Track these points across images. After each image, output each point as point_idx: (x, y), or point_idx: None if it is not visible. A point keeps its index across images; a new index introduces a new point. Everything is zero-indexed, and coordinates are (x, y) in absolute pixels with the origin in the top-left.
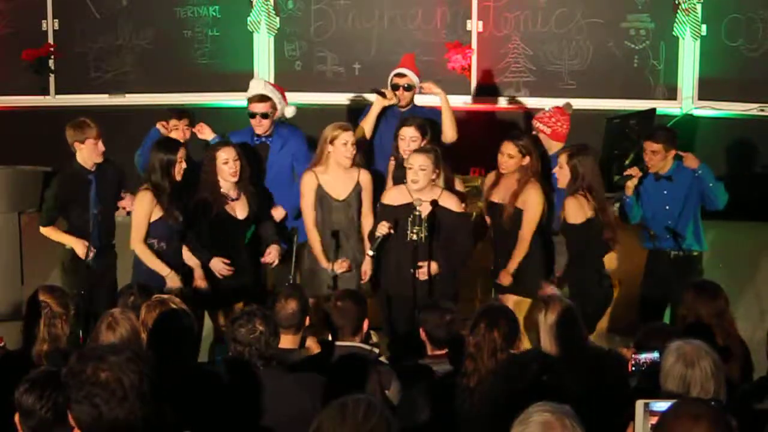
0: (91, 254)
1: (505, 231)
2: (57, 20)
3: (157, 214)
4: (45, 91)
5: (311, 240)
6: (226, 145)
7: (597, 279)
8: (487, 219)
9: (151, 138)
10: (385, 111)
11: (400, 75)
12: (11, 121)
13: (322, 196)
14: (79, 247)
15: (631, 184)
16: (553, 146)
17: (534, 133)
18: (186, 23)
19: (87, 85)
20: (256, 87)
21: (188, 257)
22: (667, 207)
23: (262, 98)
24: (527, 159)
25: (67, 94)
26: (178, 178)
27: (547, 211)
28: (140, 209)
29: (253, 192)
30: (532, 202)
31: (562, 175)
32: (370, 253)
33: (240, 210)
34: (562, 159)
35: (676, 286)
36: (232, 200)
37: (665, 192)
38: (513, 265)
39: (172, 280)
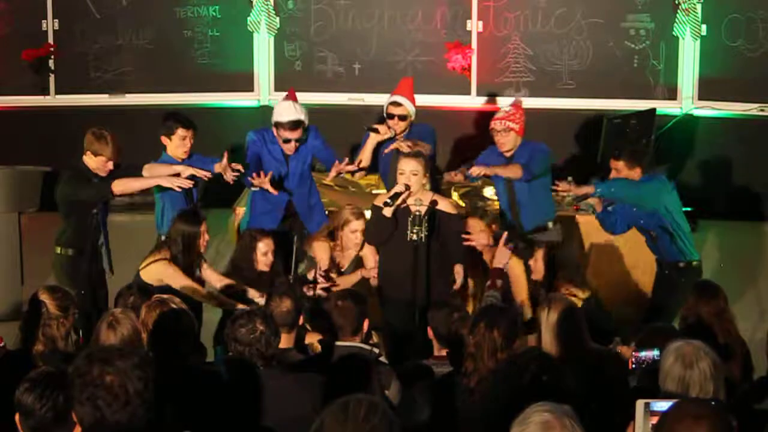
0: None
1: None
2: (57, 20)
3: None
4: (45, 91)
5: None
6: (265, 237)
7: None
8: None
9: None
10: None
11: (396, 104)
12: (11, 121)
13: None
14: (165, 181)
15: (593, 201)
16: (518, 141)
17: (500, 131)
18: (186, 23)
19: (87, 85)
20: (287, 111)
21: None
22: (642, 221)
23: (296, 125)
24: (494, 227)
25: (67, 94)
26: (203, 250)
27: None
28: (175, 277)
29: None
30: (516, 273)
31: (537, 268)
32: (388, 200)
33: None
34: (539, 254)
35: (673, 294)
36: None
37: (634, 209)
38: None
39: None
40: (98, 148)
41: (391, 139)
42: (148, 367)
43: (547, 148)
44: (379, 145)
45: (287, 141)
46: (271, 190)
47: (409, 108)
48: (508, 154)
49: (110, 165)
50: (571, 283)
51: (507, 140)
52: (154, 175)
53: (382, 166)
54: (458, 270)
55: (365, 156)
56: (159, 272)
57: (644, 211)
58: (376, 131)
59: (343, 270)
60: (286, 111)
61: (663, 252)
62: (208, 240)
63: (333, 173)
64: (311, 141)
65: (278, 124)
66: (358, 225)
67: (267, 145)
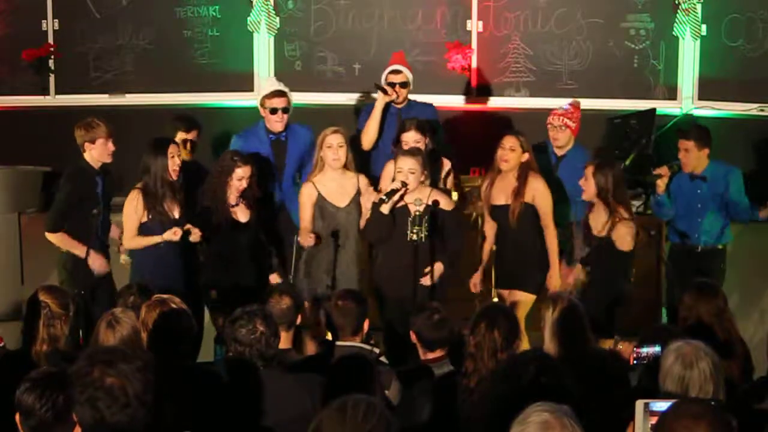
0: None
1: (514, 230)
2: (57, 20)
3: (144, 216)
4: (45, 91)
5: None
6: (246, 164)
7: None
8: (493, 223)
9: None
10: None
11: (396, 72)
12: (11, 121)
13: (322, 205)
14: (98, 263)
15: (661, 183)
16: (571, 141)
17: (556, 126)
18: (186, 23)
19: (87, 85)
20: (270, 84)
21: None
22: (700, 205)
23: (280, 93)
24: (526, 155)
25: (67, 94)
26: (174, 176)
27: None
28: (129, 208)
29: (252, 198)
30: (543, 193)
31: (588, 186)
32: (384, 197)
33: (241, 214)
34: (588, 171)
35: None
36: (232, 206)
37: (699, 191)
38: (556, 258)
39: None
40: (93, 134)
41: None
42: (150, 370)
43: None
44: (384, 149)
45: (274, 111)
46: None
47: (408, 75)
48: (559, 152)
49: (111, 145)
50: (623, 204)
51: (562, 136)
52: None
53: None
54: (437, 266)
55: (374, 120)
56: (127, 200)
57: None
58: (385, 91)
59: (341, 206)
60: (269, 84)
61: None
62: (179, 164)
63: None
64: (304, 138)
65: (264, 98)
66: (332, 139)
67: (253, 145)
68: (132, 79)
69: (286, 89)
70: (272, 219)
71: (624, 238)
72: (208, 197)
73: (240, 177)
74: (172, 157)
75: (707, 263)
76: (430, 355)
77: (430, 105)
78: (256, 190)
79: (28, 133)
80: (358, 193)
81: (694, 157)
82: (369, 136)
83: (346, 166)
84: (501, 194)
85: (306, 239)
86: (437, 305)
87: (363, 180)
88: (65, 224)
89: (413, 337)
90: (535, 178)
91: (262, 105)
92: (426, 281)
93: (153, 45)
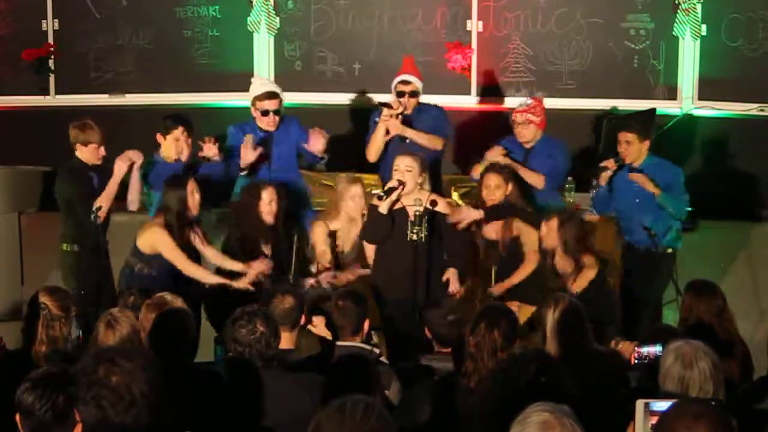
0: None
1: (507, 262)
2: (57, 20)
3: None
4: (45, 91)
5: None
6: (267, 186)
7: None
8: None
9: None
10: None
11: (405, 82)
12: (11, 121)
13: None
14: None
15: (605, 175)
16: (538, 135)
17: (520, 123)
18: (186, 23)
19: (87, 85)
20: (262, 84)
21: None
22: (637, 200)
23: (272, 95)
24: (510, 187)
25: (67, 94)
26: (195, 212)
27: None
28: (166, 243)
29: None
30: (525, 229)
31: (549, 239)
32: (382, 194)
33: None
34: (552, 224)
35: (648, 283)
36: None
37: (635, 186)
38: (512, 281)
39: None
40: (86, 137)
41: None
42: (155, 370)
43: (566, 146)
44: (388, 146)
45: (266, 113)
46: (251, 154)
47: (418, 84)
48: (527, 146)
49: (102, 150)
50: (589, 251)
51: (526, 132)
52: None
53: (384, 169)
54: (452, 273)
55: (377, 141)
56: (152, 238)
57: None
58: (389, 106)
59: (347, 251)
60: (261, 84)
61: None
62: (199, 200)
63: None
64: (294, 130)
65: (255, 99)
66: (356, 190)
67: (244, 133)
68: (132, 79)
69: (278, 89)
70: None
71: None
72: (244, 225)
73: (269, 200)
74: (192, 193)
75: (652, 265)
76: (444, 349)
77: (439, 108)
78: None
79: (28, 133)
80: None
81: (635, 150)
82: (373, 150)
83: None
84: (491, 229)
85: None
86: (452, 304)
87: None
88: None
89: (427, 333)
90: (516, 222)
91: (253, 104)
92: (453, 290)
93: (153, 45)
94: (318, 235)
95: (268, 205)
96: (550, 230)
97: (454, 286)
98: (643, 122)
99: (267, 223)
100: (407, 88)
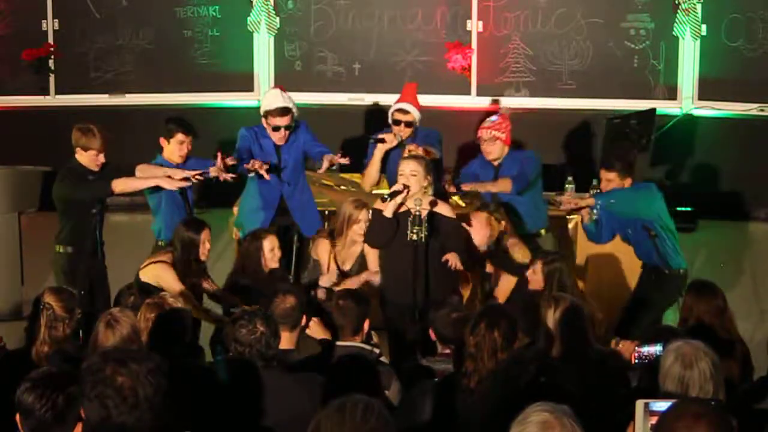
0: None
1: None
2: (57, 20)
3: None
4: (45, 91)
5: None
6: (268, 234)
7: None
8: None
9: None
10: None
11: (403, 111)
12: (11, 121)
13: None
14: (164, 182)
15: (585, 213)
16: (505, 151)
17: (487, 140)
18: (186, 23)
19: (87, 85)
20: (275, 99)
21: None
22: (630, 231)
23: (285, 111)
24: (503, 224)
25: (67, 94)
26: (203, 258)
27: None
28: (170, 279)
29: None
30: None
31: (535, 279)
32: (386, 197)
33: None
34: (538, 266)
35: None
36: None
37: (616, 217)
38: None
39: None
40: (87, 143)
41: (400, 146)
42: (162, 374)
43: (536, 155)
44: (388, 153)
45: (277, 129)
46: (265, 175)
47: (415, 115)
48: (495, 163)
49: (101, 158)
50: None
51: (493, 149)
52: (153, 176)
53: (391, 174)
54: (452, 255)
55: (374, 167)
56: (157, 275)
57: (637, 218)
58: (383, 141)
59: (346, 269)
60: (274, 99)
61: (652, 257)
62: (210, 249)
63: (326, 165)
64: (302, 135)
65: (267, 113)
66: (362, 216)
67: (259, 139)
68: (132, 79)
69: (290, 104)
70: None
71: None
72: (247, 272)
73: (271, 248)
74: (204, 242)
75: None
76: (447, 350)
77: (435, 132)
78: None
79: (28, 133)
80: (361, 255)
81: (616, 186)
82: (370, 180)
83: None
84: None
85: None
86: (457, 303)
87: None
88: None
89: (432, 333)
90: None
91: (264, 117)
92: (452, 261)
93: (153, 45)
94: (322, 252)
95: (270, 252)
96: (535, 272)
97: (454, 263)
98: (626, 158)
99: (270, 270)
100: (404, 118)
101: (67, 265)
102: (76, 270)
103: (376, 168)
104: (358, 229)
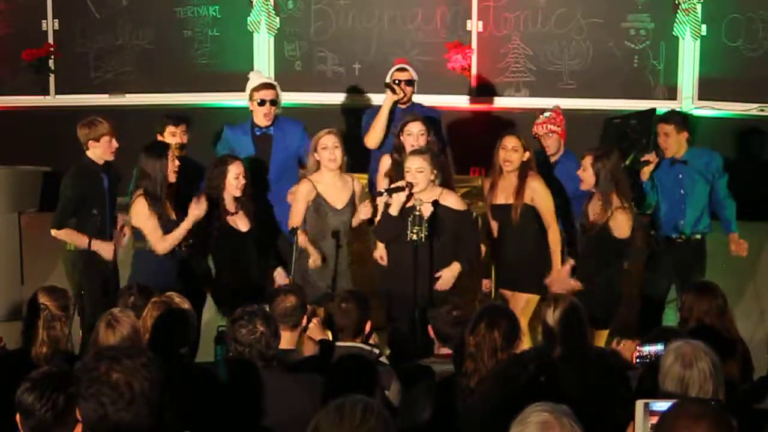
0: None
1: (515, 230)
2: (57, 20)
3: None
4: (45, 91)
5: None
6: (236, 160)
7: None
8: (494, 224)
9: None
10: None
11: (402, 70)
12: (11, 121)
13: (318, 203)
14: (104, 248)
15: (647, 170)
16: (561, 146)
17: (540, 135)
18: (186, 23)
19: (87, 85)
20: (258, 77)
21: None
22: (682, 191)
23: (269, 86)
24: (527, 154)
25: (67, 94)
26: (172, 179)
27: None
28: (142, 216)
29: (251, 207)
30: (541, 193)
31: (586, 176)
32: (382, 190)
33: (241, 223)
34: (587, 161)
35: (683, 271)
36: (232, 214)
37: (680, 176)
38: (558, 257)
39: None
40: (97, 132)
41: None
42: (156, 369)
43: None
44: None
45: (263, 103)
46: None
47: (413, 74)
48: (552, 159)
49: (114, 143)
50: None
51: (551, 142)
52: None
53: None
54: (454, 267)
55: (381, 124)
56: (136, 210)
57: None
58: (394, 90)
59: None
60: (257, 77)
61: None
62: (179, 165)
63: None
64: (298, 135)
65: (252, 91)
66: (327, 140)
67: (237, 135)
68: (132, 79)
69: (274, 82)
70: (266, 218)
71: (621, 226)
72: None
73: (236, 174)
74: (171, 159)
75: (689, 255)
76: (444, 350)
77: (435, 109)
78: (249, 193)
79: (28, 133)
80: (353, 194)
81: (674, 141)
82: (376, 134)
83: (340, 168)
84: (502, 194)
85: (315, 262)
86: (458, 301)
87: (358, 184)
88: (70, 221)
89: (430, 331)
90: (533, 178)
91: (250, 98)
92: (440, 287)
93: (153, 45)
94: (302, 192)
95: (235, 179)
96: (584, 168)
97: (444, 284)
98: (680, 114)
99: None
100: (404, 76)
101: (78, 262)
102: (86, 267)
103: (381, 125)
104: (327, 155)
